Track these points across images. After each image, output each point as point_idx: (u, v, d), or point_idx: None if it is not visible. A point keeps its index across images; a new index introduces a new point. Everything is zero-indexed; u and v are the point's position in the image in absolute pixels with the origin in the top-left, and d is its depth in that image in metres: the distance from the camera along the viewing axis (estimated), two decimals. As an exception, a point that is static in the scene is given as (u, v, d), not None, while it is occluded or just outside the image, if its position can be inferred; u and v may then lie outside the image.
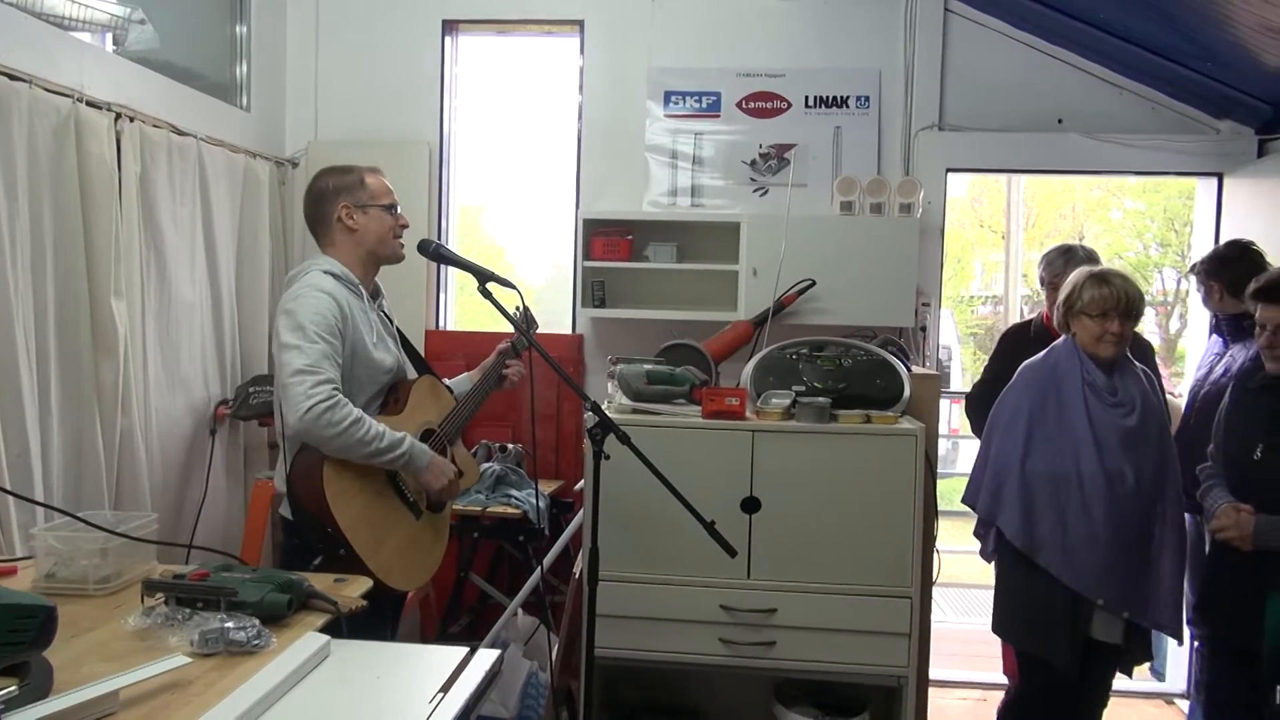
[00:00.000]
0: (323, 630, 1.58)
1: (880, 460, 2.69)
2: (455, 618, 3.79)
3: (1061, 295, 2.68)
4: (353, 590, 1.77)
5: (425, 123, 4.17)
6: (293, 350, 2.13)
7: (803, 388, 2.83)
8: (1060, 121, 3.97)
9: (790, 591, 2.73)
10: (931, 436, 2.84)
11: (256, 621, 1.50)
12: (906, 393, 2.83)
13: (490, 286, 2.33)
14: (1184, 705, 3.88)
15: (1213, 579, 2.65)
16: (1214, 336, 3.33)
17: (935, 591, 3.14)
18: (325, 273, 2.27)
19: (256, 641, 1.46)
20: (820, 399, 2.75)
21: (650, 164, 4.06)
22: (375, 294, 2.44)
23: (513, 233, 4.67)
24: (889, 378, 2.85)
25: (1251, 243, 3.24)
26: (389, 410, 2.34)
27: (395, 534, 2.28)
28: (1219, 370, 3.22)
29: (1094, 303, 2.57)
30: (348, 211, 2.34)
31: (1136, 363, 2.70)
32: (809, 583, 2.72)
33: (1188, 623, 2.84)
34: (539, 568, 3.33)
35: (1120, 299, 2.56)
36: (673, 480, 2.34)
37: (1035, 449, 2.58)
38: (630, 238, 3.85)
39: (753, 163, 4.01)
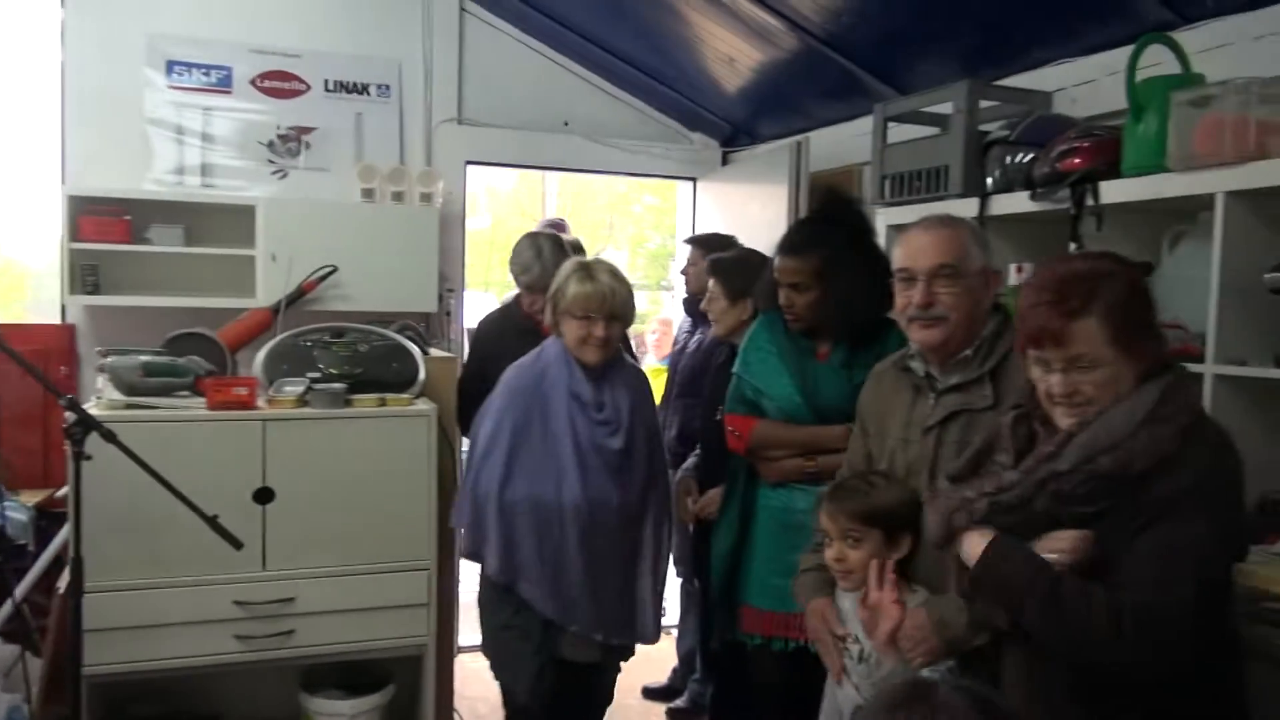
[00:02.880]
0: None
1: (396, 441, 2.79)
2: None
3: (551, 289, 2.49)
4: None
5: None
6: None
7: (318, 374, 2.83)
8: (567, 124, 4.36)
9: (309, 578, 2.72)
10: (449, 414, 3.00)
11: None
12: (421, 375, 2.95)
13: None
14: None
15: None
16: (685, 316, 3.89)
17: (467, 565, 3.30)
18: None
19: None
20: (335, 385, 2.77)
21: (153, 138, 3.74)
22: None
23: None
24: (404, 361, 2.96)
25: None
26: None
27: None
28: (692, 345, 3.79)
29: (578, 301, 2.38)
30: None
31: (631, 359, 2.64)
32: (328, 567, 2.74)
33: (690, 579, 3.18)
34: (15, 590, 2.94)
35: (605, 298, 2.37)
36: (179, 476, 2.24)
37: (517, 473, 2.39)
38: (128, 218, 3.52)
39: (270, 144, 3.88)
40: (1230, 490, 1.36)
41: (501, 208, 13.09)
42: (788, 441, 2.26)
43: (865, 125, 3.12)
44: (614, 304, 2.40)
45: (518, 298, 3.24)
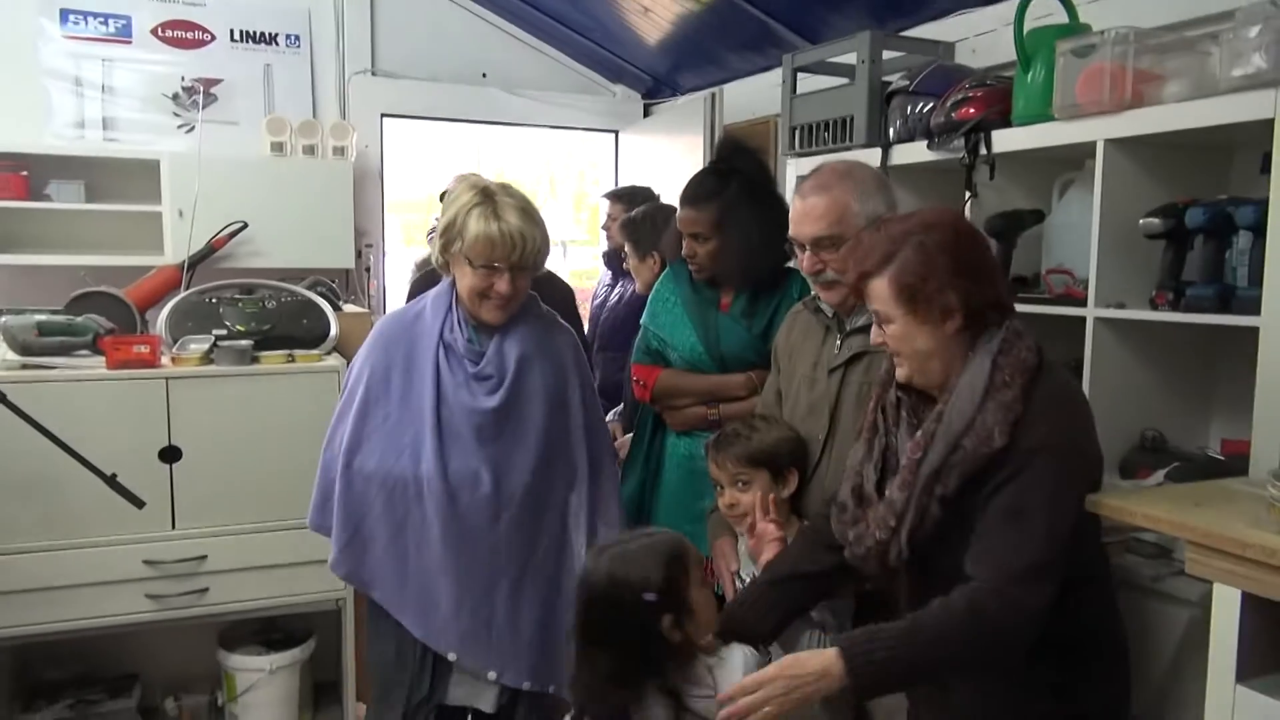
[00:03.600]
0: None
1: (304, 397, 2.76)
2: None
3: (442, 221, 1.95)
4: None
5: None
6: None
7: (224, 331, 2.79)
8: (485, 75, 4.30)
9: (220, 536, 2.70)
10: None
11: None
12: (333, 331, 2.92)
13: None
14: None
15: None
16: (605, 269, 3.90)
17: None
18: None
19: None
20: (242, 342, 2.73)
21: (50, 90, 3.60)
22: None
23: None
24: (315, 318, 2.92)
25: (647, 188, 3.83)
26: None
27: None
28: (614, 298, 3.80)
29: (478, 246, 1.84)
30: None
31: (551, 314, 2.10)
32: (240, 524, 2.73)
33: None
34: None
35: (514, 245, 1.84)
36: (81, 437, 2.20)
37: (370, 437, 1.91)
38: (25, 174, 3.40)
39: (175, 96, 3.77)
40: (1076, 435, 1.41)
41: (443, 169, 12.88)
42: (690, 390, 2.29)
43: (779, 77, 3.13)
44: (525, 252, 1.86)
45: None
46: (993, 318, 1.43)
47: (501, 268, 1.87)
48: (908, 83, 2.53)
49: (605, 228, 3.83)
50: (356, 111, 4.04)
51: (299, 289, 3.03)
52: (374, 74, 4.08)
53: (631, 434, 2.74)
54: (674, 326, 2.34)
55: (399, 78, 4.12)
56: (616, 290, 3.76)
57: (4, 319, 2.60)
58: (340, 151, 3.80)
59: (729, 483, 1.82)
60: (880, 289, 1.43)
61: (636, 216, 3.00)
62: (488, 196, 1.89)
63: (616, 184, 4.54)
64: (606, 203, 3.80)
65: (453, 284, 1.97)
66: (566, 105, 4.43)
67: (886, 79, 2.64)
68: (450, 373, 1.92)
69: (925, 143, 2.40)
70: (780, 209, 2.23)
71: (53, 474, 2.41)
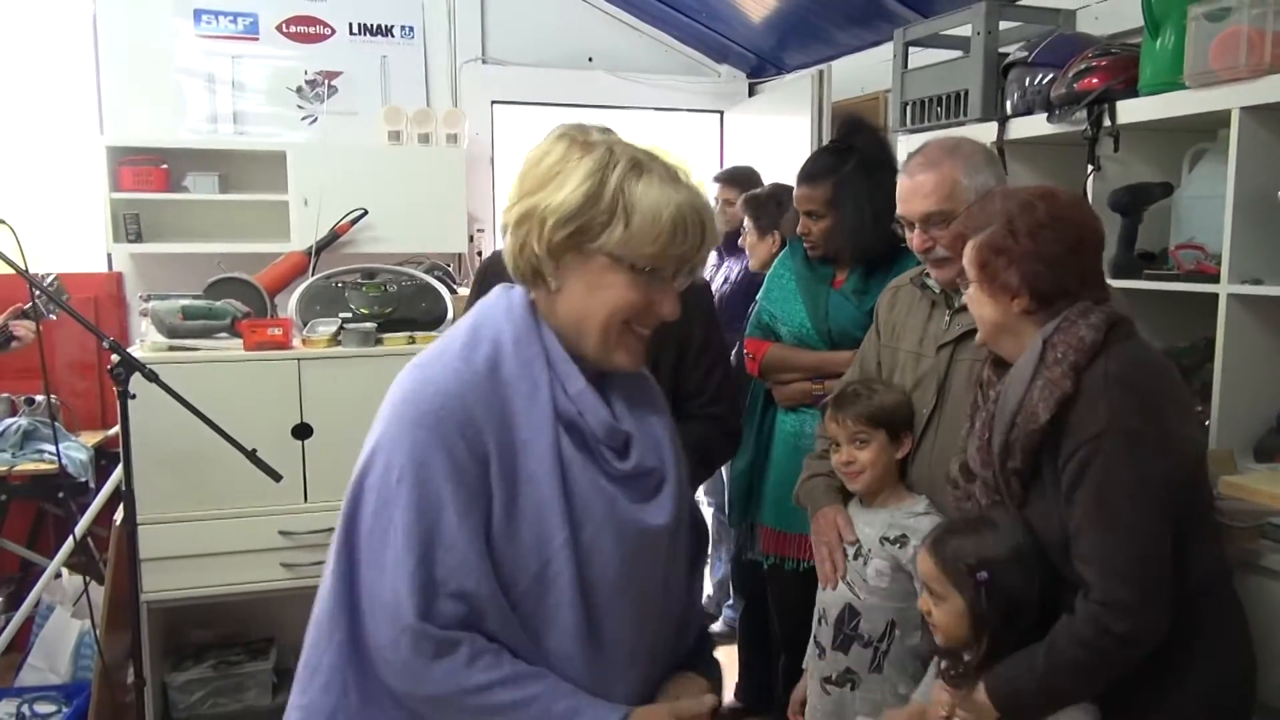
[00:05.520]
0: None
1: (426, 377, 2.87)
2: (-10, 591, 3.43)
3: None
4: None
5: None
6: None
7: (350, 314, 2.92)
8: (590, 60, 4.35)
9: (349, 509, 2.85)
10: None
11: None
12: (450, 314, 3.03)
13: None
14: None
15: None
16: (714, 252, 3.92)
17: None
18: None
19: None
20: (366, 324, 2.86)
21: (185, 87, 3.82)
22: None
23: (29, 160, 4.13)
24: (433, 301, 3.04)
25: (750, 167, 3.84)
26: None
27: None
28: (719, 280, 3.81)
29: (660, 228, 1.12)
30: None
31: None
32: (367, 499, 2.86)
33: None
34: (77, 524, 3.12)
35: (706, 224, 1.16)
36: (222, 414, 2.35)
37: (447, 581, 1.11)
38: (165, 167, 3.62)
39: (299, 89, 3.94)
40: (1149, 412, 1.37)
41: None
42: (796, 365, 2.32)
43: (889, 52, 3.08)
44: (710, 238, 1.17)
45: None
46: (1064, 305, 1.43)
47: (683, 270, 1.19)
48: (1026, 54, 2.47)
49: (721, 212, 3.84)
50: (468, 99, 4.14)
51: (417, 273, 3.14)
52: (484, 62, 4.18)
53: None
54: (785, 302, 2.36)
55: (508, 64, 4.21)
56: (722, 270, 3.78)
57: (151, 304, 2.79)
58: (453, 139, 3.91)
59: (847, 440, 1.83)
60: (968, 252, 1.49)
61: (760, 195, 3.09)
62: (651, 156, 1.17)
63: (721, 165, 4.54)
64: (715, 186, 3.82)
65: (531, 305, 1.19)
66: (671, 87, 4.44)
67: (1003, 50, 2.57)
68: (587, 473, 1.16)
69: (1045, 116, 2.34)
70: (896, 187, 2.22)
71: (199, 449, 2.57)
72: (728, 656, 3.58)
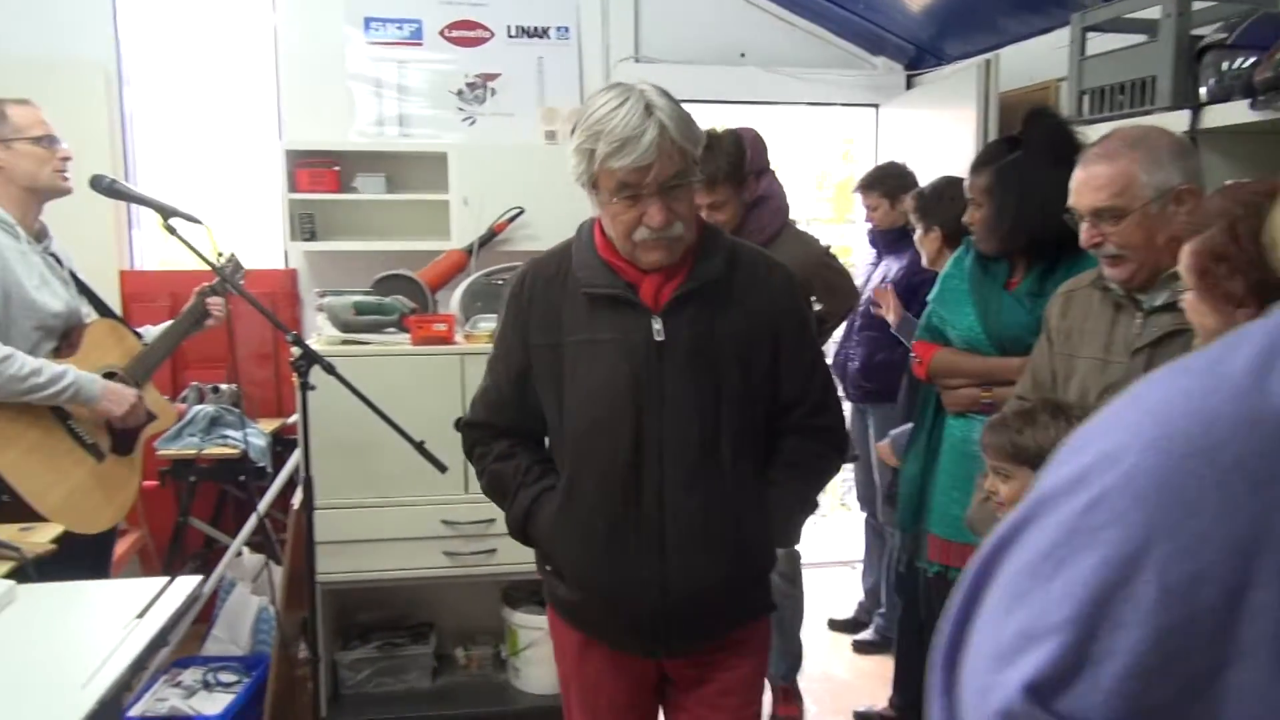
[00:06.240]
0: (9, 577, 1.57)
1: (582, 374, 2.92)
2: (179, 565, 3.69)
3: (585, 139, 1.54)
4: (41, 536, 1.76)
5: (97, 44, 3.85)
6: None
7: (509, 311, 2.99)
8: (743, 55, 4.32)
9: (506, 501, 2.92)
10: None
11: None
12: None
13: (177, 222, 2.29)
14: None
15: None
16: (870, 249, 3.82)
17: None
18: None
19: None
20: (525, 321, 2.92)
21: (354, 92, 4.00)
22: (41, 235, 2.34)
23: (215, 163, 4.43)
24: (589, 298, 3.07)
25: (904, 164, 3.73)
26: (63, 354, 2.29)
27: (70, 477, 2.25)
28: (876, 278, 3.72)
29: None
30: None
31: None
32: (523, 491, 2.93)
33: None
34: (259, 505, 3.32)
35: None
36: (387, 406, 2.44)
37: None
38: (337, 169, 3.81)
39: (459, 92, 4.07)
40: None
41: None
42: (965, 370, 2.22)
43: (1061, 38, 2.92)
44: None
45: None
46: None
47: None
48: (1225, 35, 2.29)
49: (868, 219, 3.75)
50: (620, 98, 4.18)
51: (573, 271, 3.19)
52: (637, 60, 4.21)
53: (903, 428, 2.70)
54: (955, 305, 2.27)
55: (660, 62, 4.22)
56: (880, 269, 3.69)
57: (326, 299, 2.94)
58: (606, 137, 3.95)
59: (991, 470, 1.75)
60: (1184, 256, 1.38)
61: (926, 190, 3.03)
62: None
63: (876, 159, 4.42)
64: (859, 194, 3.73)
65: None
66: (825, 81, 4.36)
67: (1195, 33, 2.40)
68: None
69: (1247, 102, 2.16)
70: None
71: (370, 439, 2.69)
72: (880, 666, 3.50)
